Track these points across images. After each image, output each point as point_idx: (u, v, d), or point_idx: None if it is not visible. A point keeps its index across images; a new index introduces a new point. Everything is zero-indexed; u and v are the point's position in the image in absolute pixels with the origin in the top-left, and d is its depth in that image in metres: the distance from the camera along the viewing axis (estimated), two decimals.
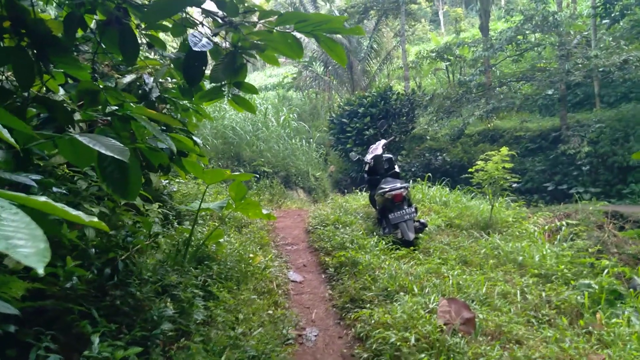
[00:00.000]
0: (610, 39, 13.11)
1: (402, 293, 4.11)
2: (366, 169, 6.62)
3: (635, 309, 4.49)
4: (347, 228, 6.09)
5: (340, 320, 4.12)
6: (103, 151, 1.66)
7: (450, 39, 18.07)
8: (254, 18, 2.52)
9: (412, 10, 18.64)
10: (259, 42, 2.55)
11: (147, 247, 3.66)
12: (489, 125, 14.62)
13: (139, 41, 3.02)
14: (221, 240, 4.40)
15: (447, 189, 8.61)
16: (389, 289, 4.21)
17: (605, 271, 5.02)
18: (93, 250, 2.89)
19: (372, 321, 3.68)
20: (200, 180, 5.98)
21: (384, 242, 5.42)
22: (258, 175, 10.10)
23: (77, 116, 2.92)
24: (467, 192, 8.27)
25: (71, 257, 2.62)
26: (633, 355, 3.31)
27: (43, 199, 0.83)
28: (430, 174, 10.06)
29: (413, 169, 13.15)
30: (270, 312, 3.89)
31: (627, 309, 4.47)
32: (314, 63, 18.53)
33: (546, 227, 7.44)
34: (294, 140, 12.63)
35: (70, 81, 2.88)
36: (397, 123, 14.00)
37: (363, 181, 7.17)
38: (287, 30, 2.42)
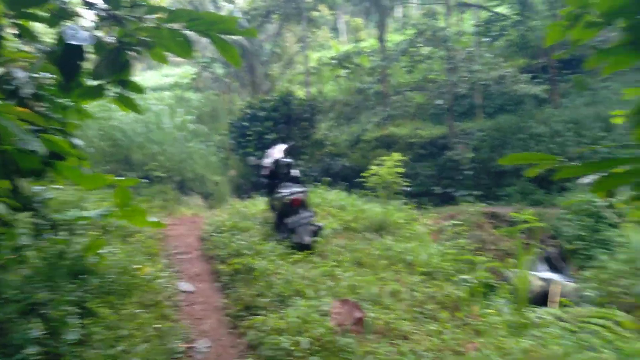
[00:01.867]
0: (491, 56, 14.51)
1: (297, 297, 4.13)
2: (265, 173, 6.58)
3: (505, 300, 5.00)
4: (244, 234, 5.99)
5: (233, 329, 4.02)
6: None
7: (350, 48, 18.71)
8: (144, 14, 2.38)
9: (314, 18, 19.02)
10: (146, 39, 2.41)
11: (12, 262, 3.26)
12: (385, 132, 15.39)
13: (10, 31, 2.71)
14: (102, 250, 4.07)
15: (345, 193, 8.87)
16: (284, 294, 4.20)
17: (481, 267, 5.51)
18: None
19: (266, 327, 3.64)
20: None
21: (281, 247, 5.41)
22: (149, 180, 9.51)
23: None
24: (363, 195, 8.61)
25: None
26: (500, 340, 3.67)
27: None
28: (330, 178, 10.30)
29: (314, 174, 13.35)
30: (157, 325, 3.67)
31: (499, 300, 4.96)
32: (214, 64, 18.07)
33: (433, 228, 8.01)
34: (191, 144, 12.16)
35: None
36: (298, 128, 14.15)
37: (261, 186, 7.13)
38: (178, 29, 2.32)
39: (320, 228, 5.78)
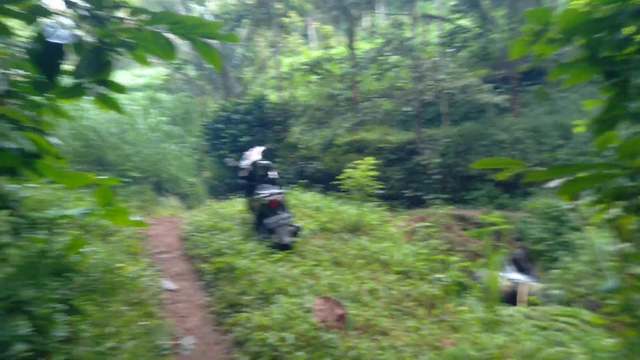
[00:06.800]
0: (455, 65, 15.00)
1: (279, 295, 4.21)
2: (243, 174, 6.63)
3: (476, 298, 5.24)
4: (224, 234, 6.02)
5: (218, 326, 4.06)
6: None
7: (320, 54, 18.91)
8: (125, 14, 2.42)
9: (284, 24, 19.15)
10: (128, 40, 2.45)
11: None
12: (356, 137, 15.65)
13: None
14: (83, 249, 4.03)
15: (320, 195, 9.01)
16: (266, 292, 4.28)
17: (453, 266, 5.75)
18: None
19: (251, 324, 3.71)
20: (58, 185, 5.40)
21: (261, 247, 5.48)
22: (126, 181, 9.37)
23: None
24: (337, 197, 8.77)
25: None
26: (475, 336, 3.87)
27: None
28: (304, 180, 10.41)
29: (288, 176, 13.46)
30: (142, 323, 3.67)
31: (471, 298, 5.19)
32: (186, 66, 17.87)
33: (405, 229, 8.25)
34: (165, 145, 12.01)
35: None
36: (272, 131, 14.22)
37: (239, 187, 7.17)
38: (160, 31, 2.37)
39: (299, 228, 5.89)
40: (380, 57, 15.25)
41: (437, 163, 13.32)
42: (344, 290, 4.50)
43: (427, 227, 8.38)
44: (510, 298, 6.81)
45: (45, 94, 3.11)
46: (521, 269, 8.74)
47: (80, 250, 4.04)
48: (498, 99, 13.33)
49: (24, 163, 3.40)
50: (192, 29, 2.32)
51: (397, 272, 5.33)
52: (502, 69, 16.84)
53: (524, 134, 12.90)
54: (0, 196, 4.22)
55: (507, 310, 4.76)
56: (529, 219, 9.11)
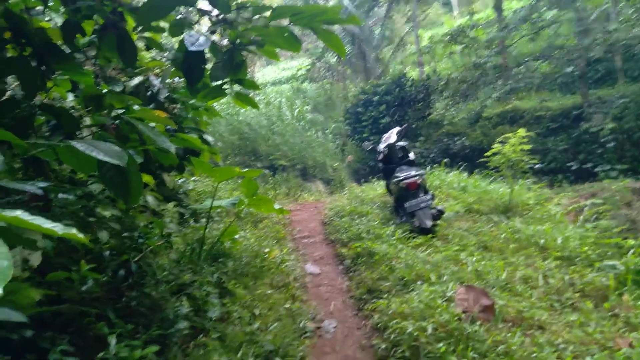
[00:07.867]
0: (631, 11, 12.58)
1: (419, 282, 4.07)
2: (380, 157, 6.56)
3: None
4: (363, 218, 6.06)
5: (358, 312, 4.11)
6: (100, 157, 1.66)
7: (463, 22, 17.60)
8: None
9: None
10: (256, 38, 2.53)
11: (161, 247, 3.70)
12: (508, 107, 14.28)
13: (139, 43, 3.04)
14: (236, 236, 4.43)
15: (465, 173, 8.46)
16: (405, 279, 4.17)
17: (631, 251, 4.85)
18: (107, 252, 2.93)
19: (390, 311, 3.66)
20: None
21: (400, 231, 5.37)
22: (273, 170, 10.12)
23: (87, 121, 2.98)
24: (486, 176, 8.11)
25: (85, 260, 2.66)
26: None
27: (18, 212, 0.83)
28: (448, 159, 9.90)
29: (432, 155, 12.95)
30: (287, 306, 3.90)
31: None
32: (326, 54, 18.39)
33: (570, 208, 7.24)
34: (309, 132, 12.60)
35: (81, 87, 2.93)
36: (413, 109, 13.81)
37: (379, 170, 7.13)
38: (285, 25, 2.40)
39: (442, 212, 5.60)
40: (533, 15, 13.61)
41: (610, 129, 11.40)
42: (492, 279, 4.15)
43: (598, 204, 7.23)
44: None
45: (196, 97, 3.45)
46: None
47: (233, 237, 4.46)
48: None
49: (184, 160, 3.85)
50: (313, 18, 2.32)
51: (558, 258, 4.70)
52: None
53: None
54: (170, 190, 4.87)
55: None
56: None
